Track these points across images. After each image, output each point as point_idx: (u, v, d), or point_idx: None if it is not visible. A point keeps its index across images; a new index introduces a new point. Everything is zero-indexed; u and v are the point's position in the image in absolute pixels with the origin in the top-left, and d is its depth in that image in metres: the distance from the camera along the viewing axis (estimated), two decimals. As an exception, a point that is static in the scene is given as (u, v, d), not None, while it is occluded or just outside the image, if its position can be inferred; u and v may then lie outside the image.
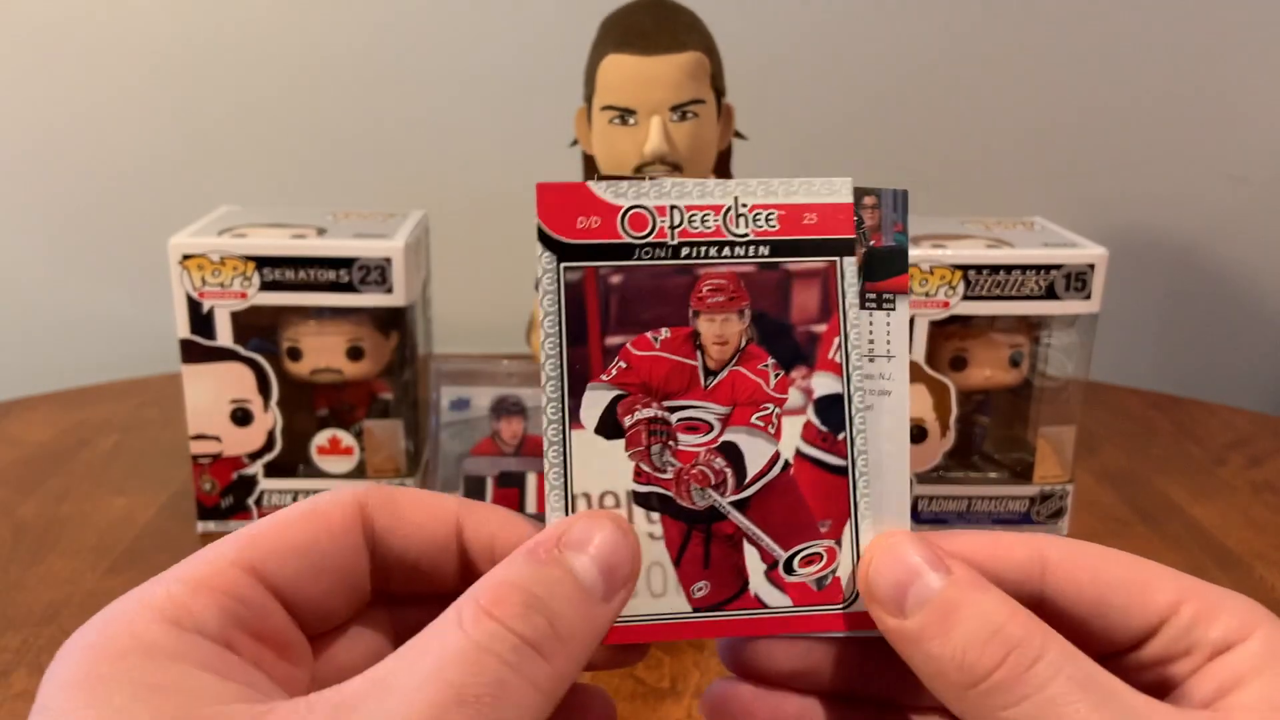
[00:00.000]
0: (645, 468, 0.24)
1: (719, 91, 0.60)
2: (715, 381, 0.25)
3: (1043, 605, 0.23)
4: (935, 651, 0.22)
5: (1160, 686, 0.23)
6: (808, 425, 0.25)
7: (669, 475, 0.25)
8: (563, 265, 0.24)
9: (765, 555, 0.25)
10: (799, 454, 0.25)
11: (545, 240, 0.24)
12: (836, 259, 0.24)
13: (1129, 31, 0.95)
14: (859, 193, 0.25)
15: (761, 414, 0.25)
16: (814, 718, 0.26)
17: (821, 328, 0.25)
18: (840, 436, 0.25)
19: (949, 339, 0.63)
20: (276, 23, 0.93)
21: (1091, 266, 0.60)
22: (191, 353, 0.61)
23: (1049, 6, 0.94)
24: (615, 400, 0.24)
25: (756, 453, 0.25)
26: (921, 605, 0.22)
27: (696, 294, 0.24)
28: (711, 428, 0.25)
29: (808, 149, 0.97)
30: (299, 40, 0.93)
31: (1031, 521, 0.65)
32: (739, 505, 0.25)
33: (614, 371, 0.24)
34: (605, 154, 0.60)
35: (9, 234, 0.97)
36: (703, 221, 0.24)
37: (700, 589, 0.25)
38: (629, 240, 0.24)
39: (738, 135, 0.64)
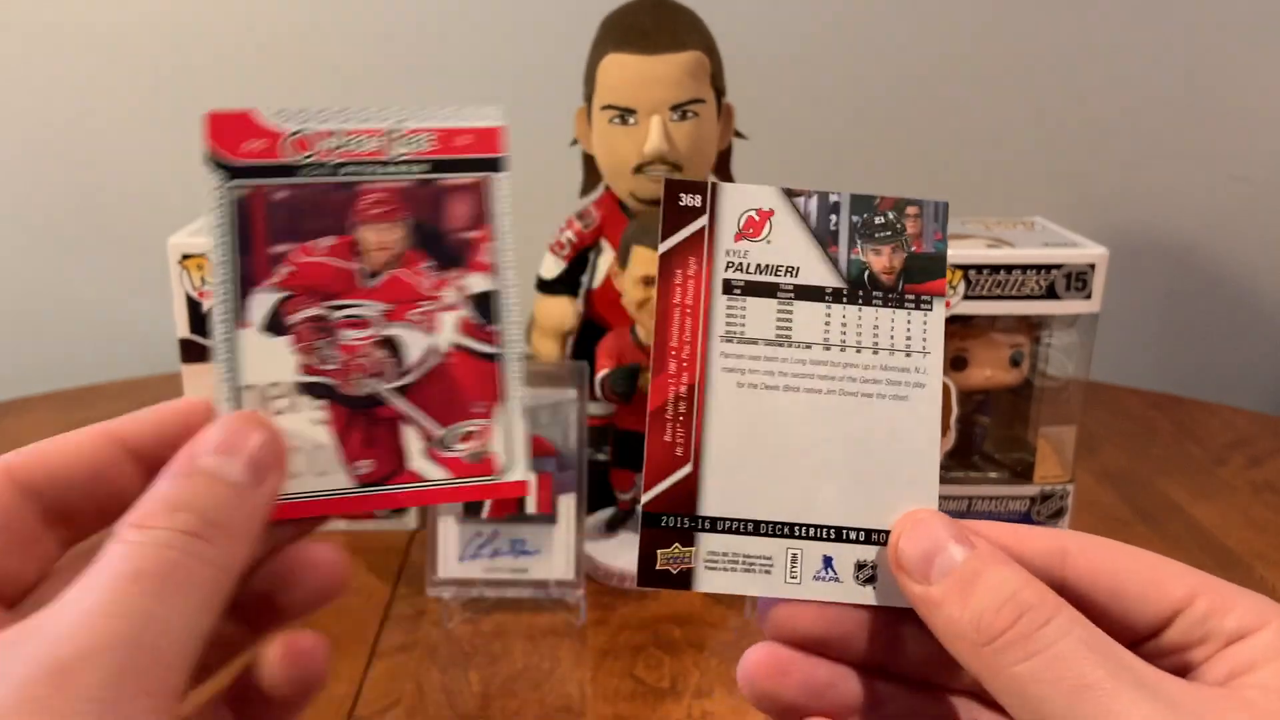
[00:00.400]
0: (310, 360, 0.27)
1: (719, 91, 0.60)
2: (376, 283, 0.27)
3: (1063, 592, 0.24)
4: (954, 615, 0.23)
5: (1174, 672, 0.23)
6: (464, 320, 0.28)
7: (334, 366, 0.27)
8: (230, 184, 0.27)
9: (425, 434, 0.28)
10: (456, 345, 0.28)
11: (214, 163, 0.27)
12: (487, 174, 0.28)
13: (1129, 32, 0.95)
14: (902, 203, 0.27)
15: (419, 310, 0.27)
16: (846, 686, 0.27)
17: (474, 234, 0.28)
18: (492, 328, 0.28)
19: (949, 339, 0.63)
20: (277, 23, 0.93)
21: (1092, 266, 0.60)
22: (191, 352, 0.61)
23: (1050, 7, 0.94)
24: (280, 301, 0.27)
25: (415, 344, 0.27)
26: (945, 574, 0.24)
27: (356, 208, 0.27)
28: (371, 323, 0.27)
29: (808, 149, 0.97)
30: (299, 40, 0.93)
31: (1032, 521, 0.65)
32: (399, 391, 0.27)
33: (280, 276, 0.27)
34: (605, 153, 0.60)
35: (8, 233, 0.97)
36: (360, 144, 0.27)
37: (362, 467, 0.27)
38: (291, 161, 0.27)
39: (738, 135, 0.64)
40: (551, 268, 0.65)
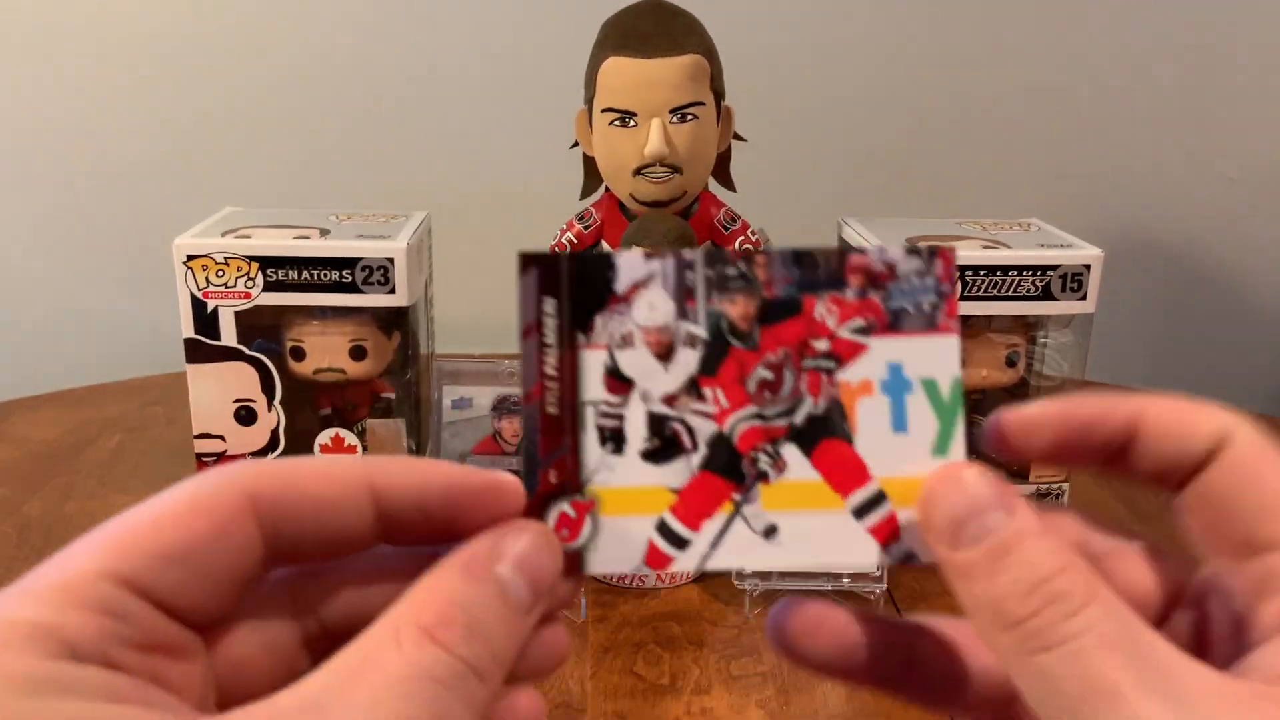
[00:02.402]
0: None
1: (719, 94, 0.61)
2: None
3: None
4: (977, 591, 0.22)
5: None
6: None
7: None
8: None
9: None
10: None
11: None
12: None
13: (1125, 33, 0.95)
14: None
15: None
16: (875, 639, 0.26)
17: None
18: None
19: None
20: (280, 24, 0.93)
21: (1087, 267, 0.61)
22: (196, 352, 0.61)
23: (1046, 8, 0.95)
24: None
25: None
26: (975, 543, 0.22)
27: None
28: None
29: (806, 151, 0.98)
30: (303, 42, 0.94)
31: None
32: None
33: None
34: (605, 156, 0.61)
35: (14, 234, 0.97)
36: None
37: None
38: None
39: (737, 137, 0.64)
40: (552, 268, 0.65)
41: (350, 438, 0.64)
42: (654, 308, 0.26)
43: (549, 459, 0.25)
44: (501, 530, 0.23)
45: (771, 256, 0.26)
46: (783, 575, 0.57)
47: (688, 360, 0.26)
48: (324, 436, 0.64)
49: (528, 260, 0.26)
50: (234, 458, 0.63)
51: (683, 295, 0.26)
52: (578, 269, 0.26)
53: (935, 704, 0.27)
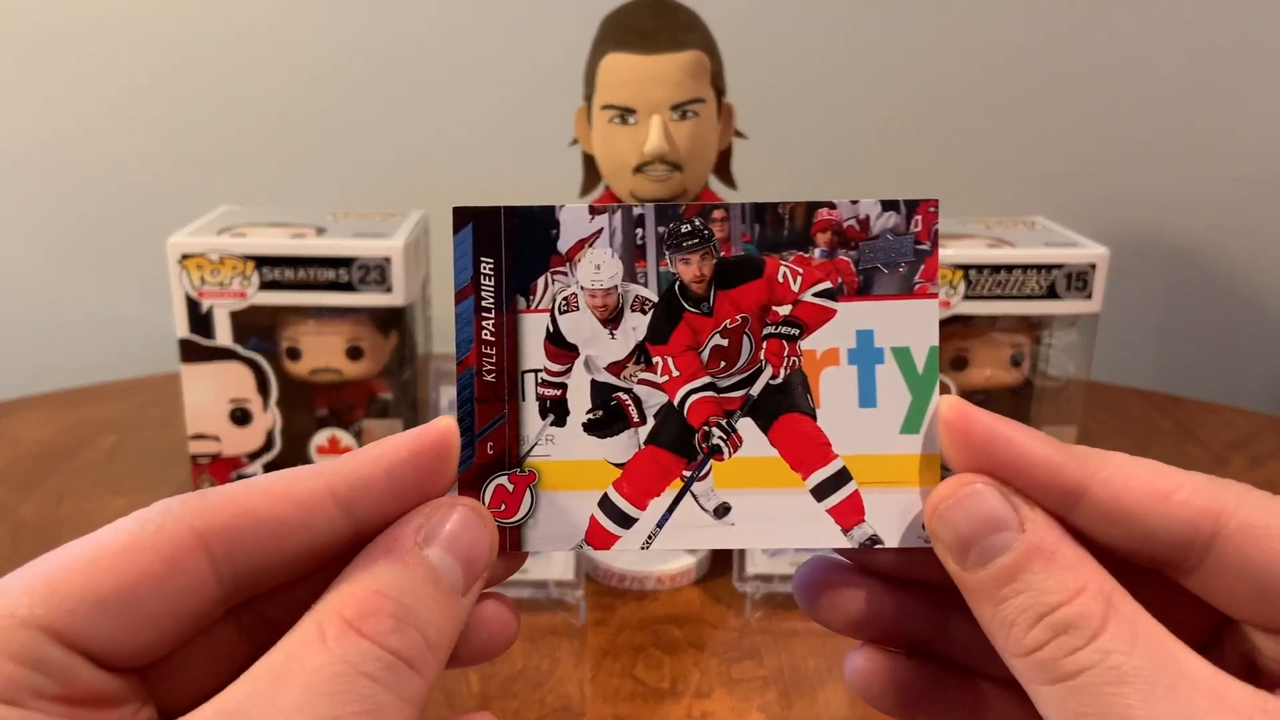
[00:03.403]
0: None
1: (719, 91, 0.60)
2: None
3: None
4: (986, 614, 0.21)
5: None
6: None
7: None
8: None
9: None
10: None
11: None
12: None
13: (1130, 32, 0.95)
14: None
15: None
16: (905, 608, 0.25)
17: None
18: None
19: (950, 339, 0.63)
20: (277, 23, 0.93)
21: (1093, 266, 0.60)
22: (191, 352, 0.61)
23: (1050, 7, 0.94)
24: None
25: None
26: (982, 565, 0.21)
27: None
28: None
29: (808, 149, 0.97)
30: (299, 41, 0.93)
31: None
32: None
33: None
34: (605, 153, 0.60)
35: (8, 234, 0.97)
36: None
37: None
38: None
39: (738, 134, 0.64)
40: (551, 267, 0.65)
41: (347, 438, 0.64)
42: (600, 268, 0.24)
43: (485, 430, 0.24)
44: (429, 508, 0.22)
45: (730, 210, 0.24)
46: (785, 578, 0.57)
47: (636, 326, 0.24)
48: (320, 437, 0.64)
49: (463, 215, 0.24)
50: (229, 459, 0.62)
51: (631, 254, 0.24)
52: (519, 225, 0.24)
53: (969, 671, 0.26)
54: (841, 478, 0.24)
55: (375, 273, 0.60)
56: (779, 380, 0.24)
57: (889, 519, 0.24)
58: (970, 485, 0.22)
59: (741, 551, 0.57)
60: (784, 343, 0.24)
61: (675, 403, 0.24)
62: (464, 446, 0.23)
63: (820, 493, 0.24)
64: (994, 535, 0.21)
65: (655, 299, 0.24)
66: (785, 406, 0.24)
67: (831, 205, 0.24)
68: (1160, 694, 0.19)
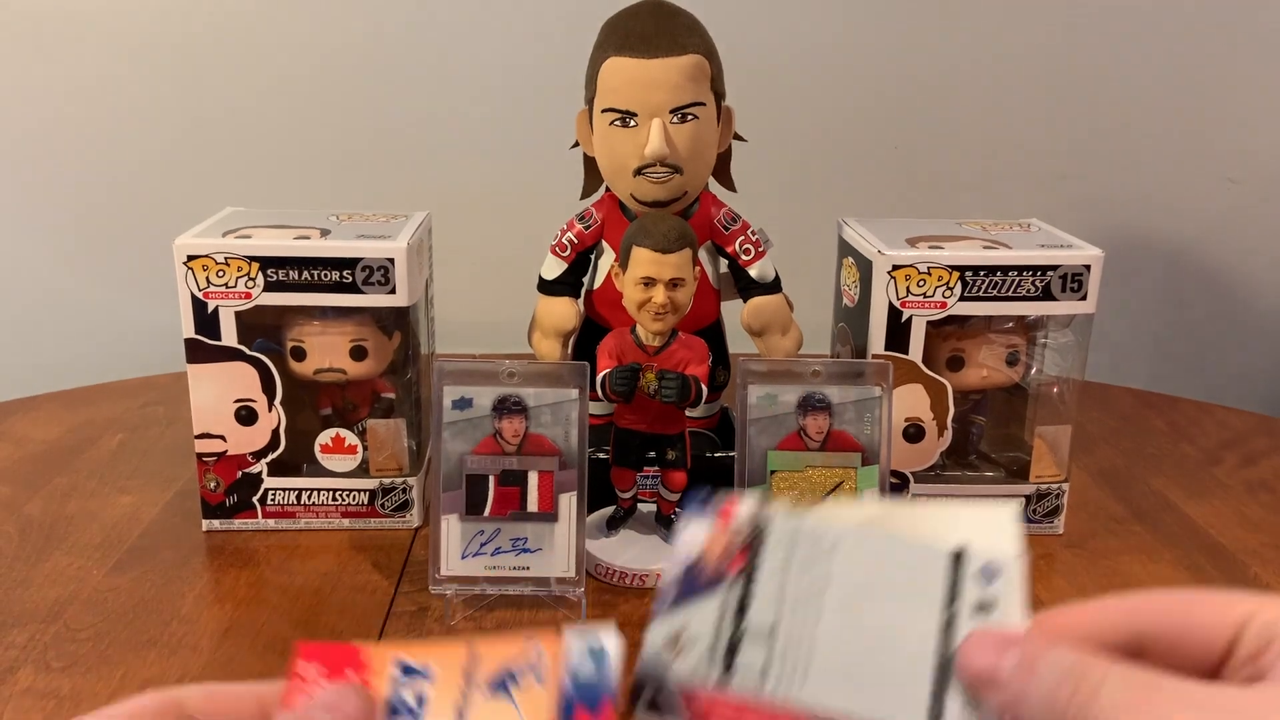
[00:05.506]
0: None
1: (719, 94, 0.61)
2: None
3: (1141, 640, 0.26)
4: (1023, 694, 0.24)
5: (1251, 679, 0.25)
6: None
7: None
8: None
9: None
10: None
11: None
12: None
13: (1125, 35, 0.95)
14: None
15: None
16: None
17: None
18: None
19: (946, 339, 0.64)
20: (281, 26, 0.93)
21: (1087, 268, 0.61)
22: (196, 352, 0.61)
23: (1046, 11, 0.95)
24: None
25: None
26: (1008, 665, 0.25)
27: None
28: None
29: (807, 151, 0.98)
30: (303, 44, 0.94)
31: (1028, 520, 0.65)
32: None
33: None
34: (606, 156, 0.61)
35: (16, 235, 0.98)
36: None
37: None
38: None
39: (737, 138, 0.64)
40: (553, 268, 0.65)
41: (351, 437, 0.64)
42: None
43: None
44: (309, 706, 0.25)
45: None
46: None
47: None
48: (324, 436, 0.64)
49: None
50: (235, 457, 0.63)
51: None
52: None
53: None
54: None
55: (379, 273, 0.60)
56: None
57: None
58: (980, 633, 0.26)
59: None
60: None
61: None
62: None
63: None
64: (1007, 654, 0.25)
65: None
66: None
67: None
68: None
